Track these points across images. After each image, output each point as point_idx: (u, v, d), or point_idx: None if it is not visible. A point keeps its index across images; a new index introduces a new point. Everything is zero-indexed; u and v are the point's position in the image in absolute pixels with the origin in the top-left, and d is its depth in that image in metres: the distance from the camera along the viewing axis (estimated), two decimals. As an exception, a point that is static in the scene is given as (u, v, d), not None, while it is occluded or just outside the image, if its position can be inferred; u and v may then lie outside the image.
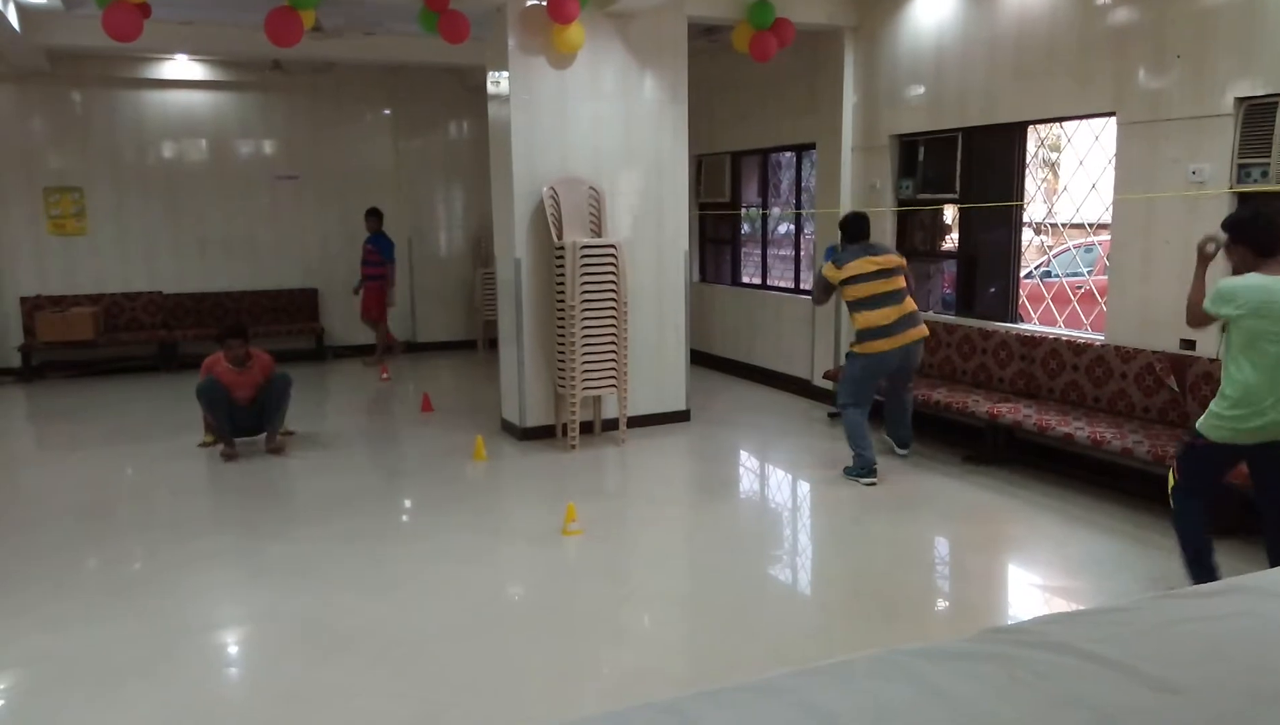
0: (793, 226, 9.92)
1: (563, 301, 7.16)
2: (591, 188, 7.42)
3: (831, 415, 8.16)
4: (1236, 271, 4.22)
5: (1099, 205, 6.79)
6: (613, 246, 7.17)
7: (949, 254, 8.06)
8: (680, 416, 8.17)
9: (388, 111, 12.05)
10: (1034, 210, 7.69)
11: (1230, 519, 5.21)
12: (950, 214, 8.01)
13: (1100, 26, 6.25)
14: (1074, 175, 7.06)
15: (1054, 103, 6.64)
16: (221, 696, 3.84)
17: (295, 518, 6.05)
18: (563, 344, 7.23)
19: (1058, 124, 7.07)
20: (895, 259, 6.48)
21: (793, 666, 2.26)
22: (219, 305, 11.44)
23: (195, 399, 7.11)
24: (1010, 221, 7.22)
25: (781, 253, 10.27)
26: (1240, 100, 5.43)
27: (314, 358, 11.48)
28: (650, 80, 7.71)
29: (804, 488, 6.71)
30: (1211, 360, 5.49)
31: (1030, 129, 7.08)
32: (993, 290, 7.51)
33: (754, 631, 4.31)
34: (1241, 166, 5.43)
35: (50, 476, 7.09)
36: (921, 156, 7.90)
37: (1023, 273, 7.51)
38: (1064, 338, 6.67)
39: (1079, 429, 5.85)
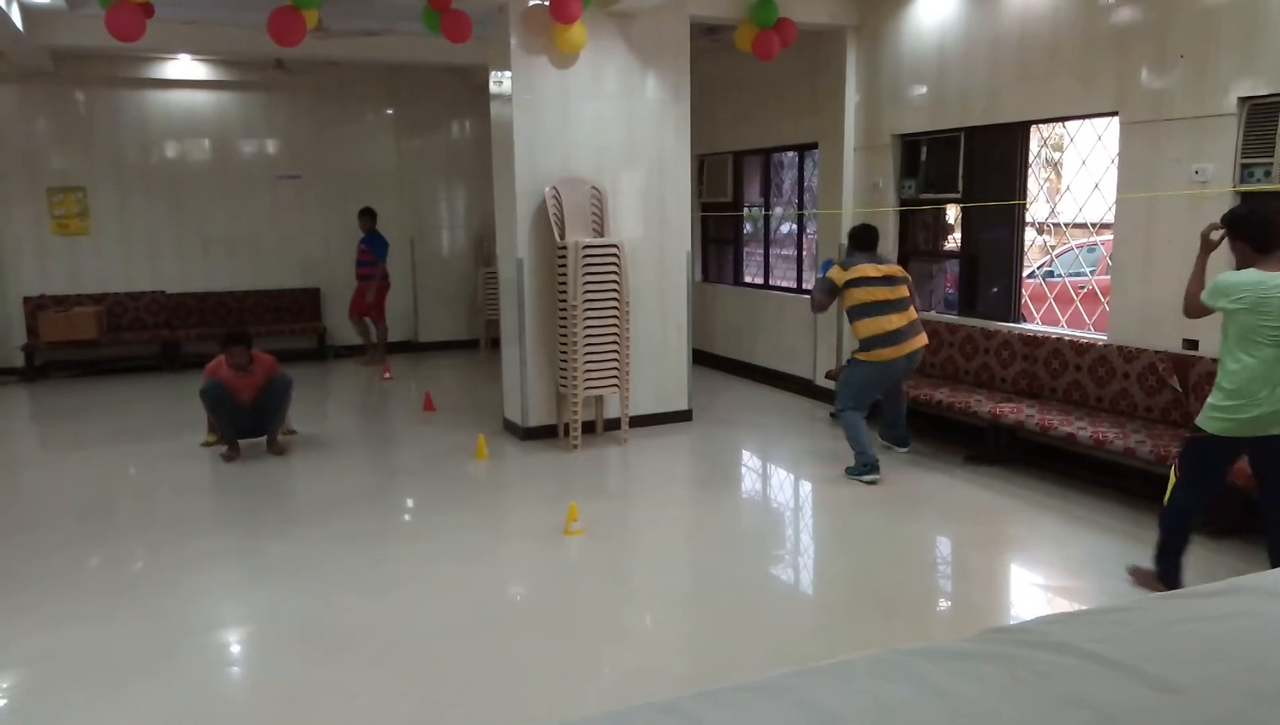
0: (795, 226, 9.91)
1: (565, 301, 7.17)
2: (594, 187, 7.42)
3: (833, 415, 8.14)
4: (1239, 266, 4.24)
5: (1102, 205, 6.78)
6: (615, 246, 7.17)
7: (951, 254, 8.06)
8: (682, 416, 8.17)
9: (390, 111, 12.05)
10: (1036, 210, 7.68)
11: (1230, 519, 5.21)
12: (953, 213, 8.01)
13: (1103, 26, 6.24)
14: (1076, 175, 7.05)
15: (1057, 102, 6.64)
16: (222, 696, 3.84)
17: (297, 517, 6.06)
18: (565, 343, 7.23)
19: (1060, 123, 7.06)
20: (901, 270, 6.54)
21: (794, 666, 2.26)
22: (221, 305, 11.45)
23: (198, 399, 7.11)
24: (1013, 221, 7.22)
25: (783, 252, 10.27)
26: (1243, 100, 5.42)
27: (316, 357, 11.48)
28: (652, 80, 7.71)
29: (806, 487, 6.70)
30: (1214, 360, 5.47)
31: (1033, 128, 7.08)
32: (995, 290, 7.50)
33: (755, 631, 4.31)
34: (1244, 166, 5.43)
35: (52, 476, 7.10)
36: (924, 156, 7.89)
37: (1025, 272, 7.51)
38: (1066, 337, 6.66)
39: (1081, 429, 5.84)
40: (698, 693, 2.00)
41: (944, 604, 4.74)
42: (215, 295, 11.43)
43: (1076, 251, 9.35)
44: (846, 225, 8.37)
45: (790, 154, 9.84)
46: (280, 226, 11.66)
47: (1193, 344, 5.78)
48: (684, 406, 8.20)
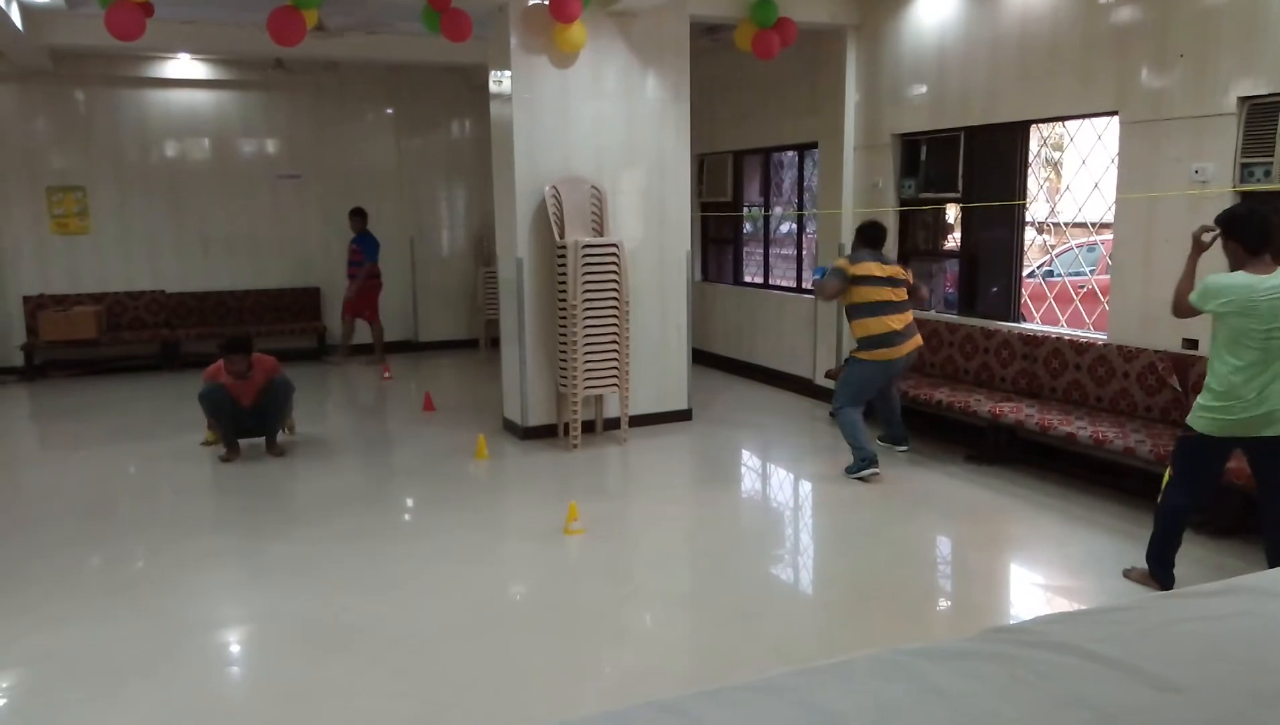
0: (795, 226, 9.91)
1: (565, 301, 7.17)
2: (594, 187, 7.42)
3: (833, 415, 8.14)
4: (1232, 267, 4.27)
5: (1101, 204, 6.78)
6: (615, 246, 7.17)
7: (951, 253, 8.06)
8: (682, 416, 8.17)
9: (390, 110, 12.05)
10: (1036, 209, 7.68)
11: (1230, 519, 5.22)
12: (952, 213, 8.01)
13: (1103, 26, 6.24)
14: (1076, 174, 7.05)
15: (1056, 102, 6.64)
16: (222, 696, 3.84)
17: (296, 517, 6.06)
18: (565, 343, 7.23)
19: (1060, 123, 7.06)
20: (902, 271, 6.57)
21: (794, 666, 2.26)
22: (221, 304, 11.45)
23: (197, 400, 7.09)
24: (1013, 221, 7.22)
25: (783, 252, 10.27)
26: (1243, 100, 5.42)
27: (316, 357, 11.47)
28: (652, 79, 7.71)
29: (806, 487, 6.71)
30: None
31: (1033, 128, 7.08)
32: (995, 289, 7.50)
33: (755, 631, 4.31)
34: (1244, 166, 5.43)
35: (52, 476, 7.10)
36: (924, 156, 7.89)
37: (1025, 272, 7.51)
38: (1066, 337, 6.66)
39: (1081, 428, 5.84)
40: (698, 692, 2.00)
41: (944, 603, 4.74)
42: (215, 295, 11.43)
43: (1076, 251, 9.36)
44: (846, 225, 8.38)
45: (790, 153, 9.84)
46: (280, 226, 11.66)
47: (1192, 343, 5.78)
48: (684, 406, 8.20)
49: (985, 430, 6.76)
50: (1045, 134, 7.24)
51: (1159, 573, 4.54)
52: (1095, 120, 6.68)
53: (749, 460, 7.53)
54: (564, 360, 7.27)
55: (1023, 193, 7.13)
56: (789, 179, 10.10)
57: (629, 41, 7.56)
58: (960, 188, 7.50)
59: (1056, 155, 8.52)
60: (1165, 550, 4.51)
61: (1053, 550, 5.27)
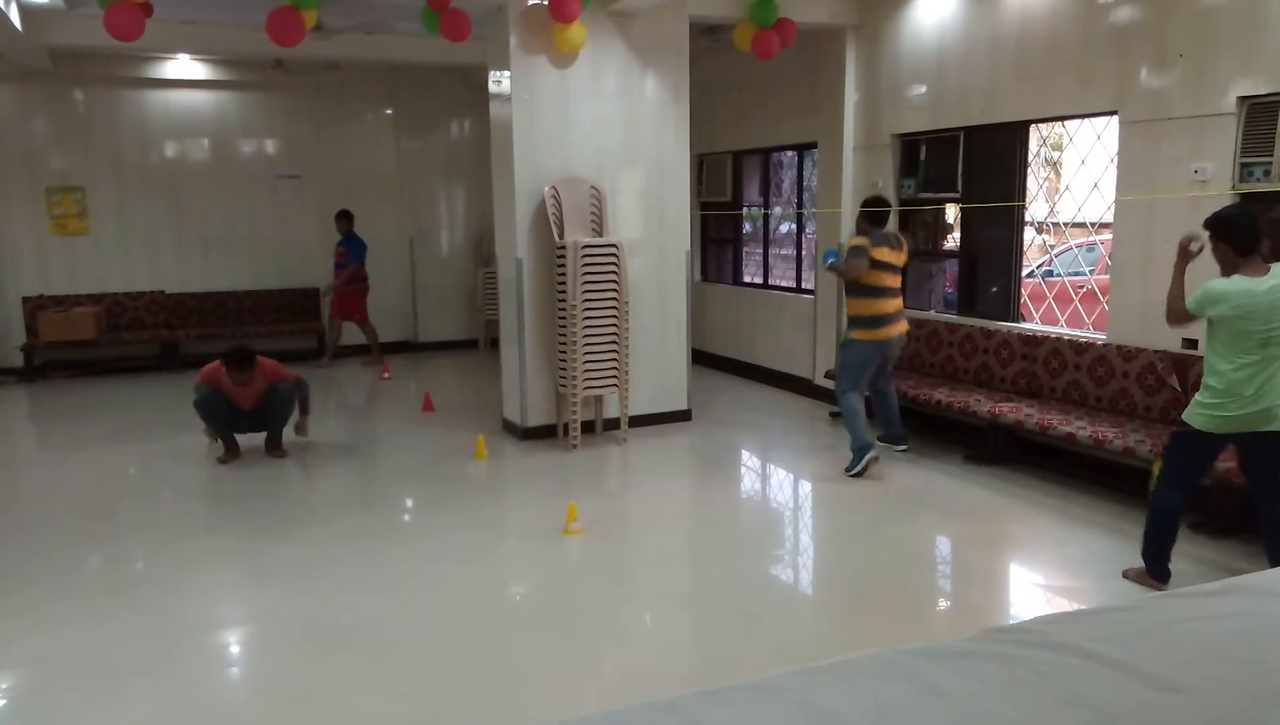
0: (794, 226, 9.91)
1: (564, 301, 7.16)
2: (593, 187, 7.42)
3: (833, 415, 8.16)
4: (1223, 270, 4.29)
5: (1101, 204, 6.79)
6: (614, 246, 7.17)
7: (951, 253, 8.06)
8: (682, 416, 8.17)
9: (389, 111, 12.05)
10: (1036, 209, 7.68)
11: (1230, 519, 5.22)
12: (952, 213, 8.01)
13: (1102, 25, 6.24)
14: (1076, 174, 7.05)
15: (1056, 102, 6.64)
16: (222, 696, 3.84)
17: (296, 517, 6.06)
18: (564, 343, 7.23)
19: (1059, 123, 7.06)
20: (904, 257, 6.69)
21: (794, 666, 2.26)
22: (221, 305, 11.45)
23: (193, 406, 7.00)
24: (1012, 221, 7.22)
25: (783, 252, 10.27)
26: (1242, 99, 5.43)
27: (316, 357, 11.45)
28: (652, 79, 7.71)
29: (805, 487, 6.71)
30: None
31: (1032, 128, 7.08)
32: (994, 289, 7.50)
33: (755, 631, 4.31)
34: (1244, 166, 5.43)
35: (52, 476, 7.10)
36: (923, 156, 7.89)
37: (1024, 272, 7.51)
38: (1066, 337, 6.67)
39: (1081, 428, 5.84)
40: (698, 692, 2.00)
41: (944, 603, 4.74)
42: (215, 295, 11.43)
43: (1076, 251, 9.36)
44: (846, 225, 8.38)
45: (789, 153, 9.85)
46: (280, 227, 11.66)
47: (1192, 343, 5.78)
48: (683, 406, 8.20)
49: (985, 430, 6.76)
50: (1044, 134, 7.25)
51: (1156, 570, 4.58)
52: (1094, 120, 6.69)
53: (749, 460, 7.53)
54: (563, 360, 7.27)
55: (1022, 193, 7.13)
56: (788, 179, 10.10)
57: (628, 41, 7.56)
58: (960, 188, 7.51)
59: (1056, 155, 8.52)
60: (1161, 547, 4.55)
61: (1052, 550, 5.27)
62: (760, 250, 10.38)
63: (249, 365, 6.81)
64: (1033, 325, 7.23)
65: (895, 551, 5.29)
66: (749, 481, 7.14)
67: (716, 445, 7.68)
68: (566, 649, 4.16)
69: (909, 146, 8.05)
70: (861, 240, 6.54)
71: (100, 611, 4.53)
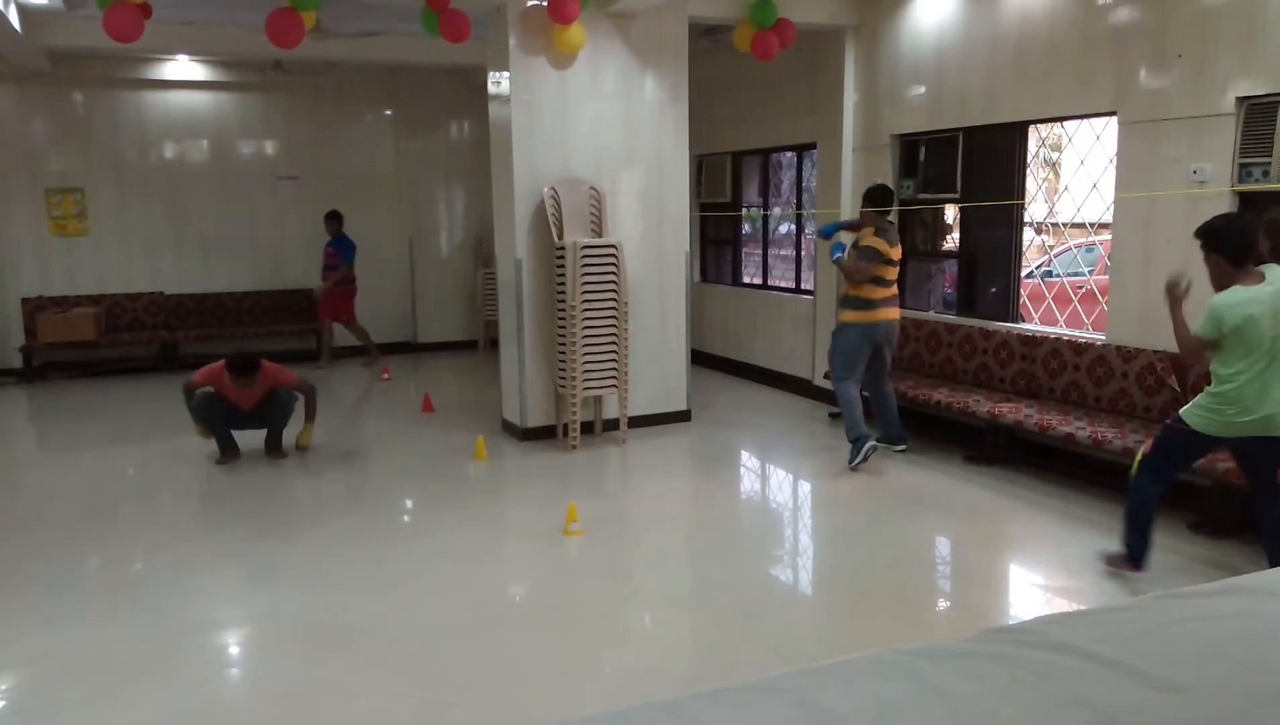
0: (793, 227, 9.91)
1: (563, 302, 7.17)
2: (592, 188, 7.42)
3: (833, 415, 8.17)
4: (1216, 281, 4.32)
5: (1100, 205, 6.79)
6: (613, 246, 7.17)
7: (950, 254, 8.06)
8: (681, 416, 8.18)
9: (389, 112, 12.05)
10: (1035, 210, 7.68)
11: (1230, 519, 5.22)
12: (951, 213, 8.01)
13: (1101, 26, 6.24)
14: (1075, 175, 7.06)
15: (1055, 102, 6.64)
16: (222, 696, 3.84)
17: (296, 518, 6.06)
18: (563, 344, 7.23)
19: (1059, 123, 7.06)
20: (899, 251, 6.81)
21: (793, 666, 2.26)
22: (220, 306, 11.45)
23: (190, 410, 6.99)
24: (1011, 221, 7.22)
25: (782, 253, 10.27)
26: (1241, 100, 5.43)
27: (315, 358, 11.44)
28: (651, 80, 7.71)
29: (805, 487, 6.71)
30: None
31: (1031, 128, 7.08)
32: (994, 290, 7.50)
33: (755, 631, 4.31)
34: (1243, 166, 5.43)
35: (52, 477, 7.09)
36: (922, 156, 7.90)
37: (1024, 272, 7.51)
38: (1065, 337, 6.67)
39: (1080, 429, 5.85)
40: (698, 693, 2.00)
41: (943, 604, 4.74)
42: (214, 296, 11.43)
43: (1075, 251, 9.36)
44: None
45: (789, 154, 9.85)
46: (279, 228, 11.66)
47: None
48: (683, 407, 8.20)
49: (984, 430, 6.76)
50: (1043, 134, 7.25)
51: (1136, 556, 4.65)
52: (1093, 120, 6.69)
53: (748, 461, 7.53)
54: (563, 361, 7.27)
55: (1021, 193, 7.13)
56: (788, 180, 10.10)
57: (628, 42, 7.56)
58: (959, 188, 7.51)
59: (1055, 155, 8.52)
60: (1141, 535, 4.62)
61: (1052, 550, 5.27)
62: (759, 251, 10.38)
63: (252, 373, 6.79)
64: (1032, 326, 7.24)
65: (895, 552, 5.29)
66: (748, 482, 7.14)
67: (716, 446, 7.68)
68: (566, 649, 4.16)
69: (908, 147, 8.05)
70: (877, 242, 6.59)
71: (100, 612, 4.53)
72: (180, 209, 11.20)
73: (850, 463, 6.61)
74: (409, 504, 6.43)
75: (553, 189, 7.27)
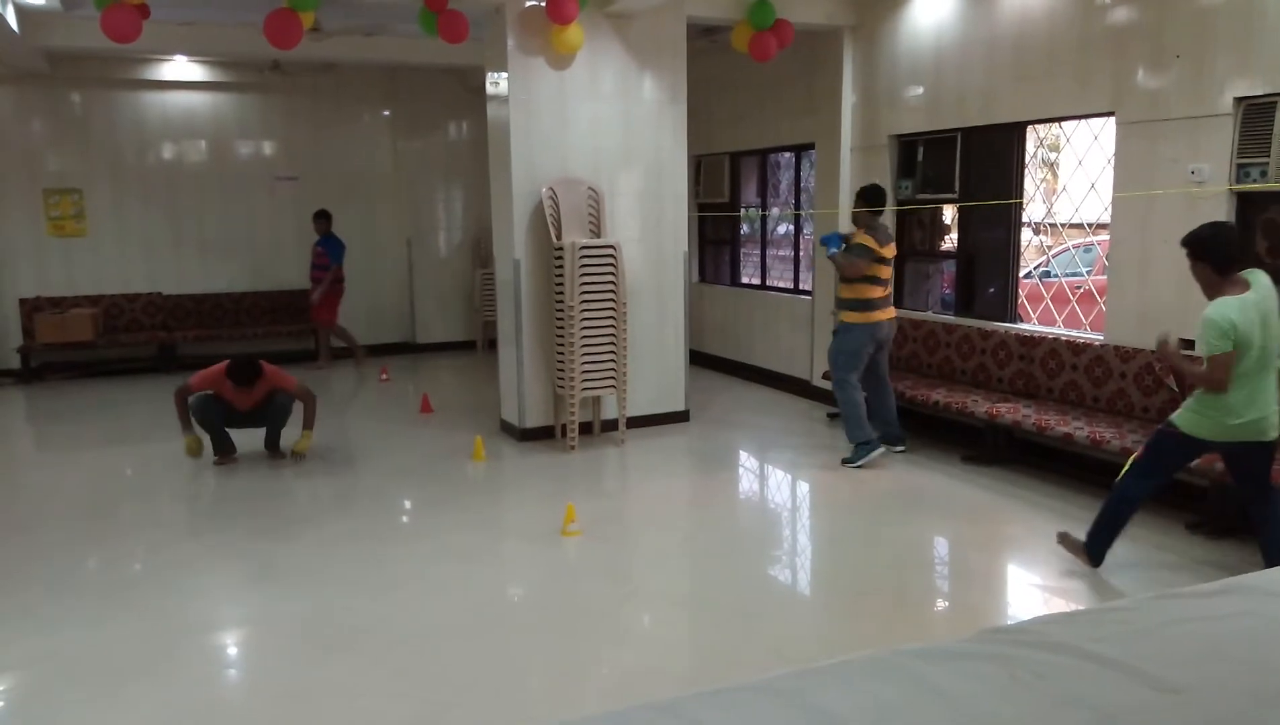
0: (792, 227, 9.92)
1: (562, 302, 7.16)
2: (590, 188, 7.42)
3: (831, 416, 8.17)
4: (1204, 289, 4.36)
5: (1098, 205, 6.79)
6: (612, 247, 7.17)
7: (948, 254, 8.06)
8: (680, 417, 8.18)
9: (387, 112, 12.05)
10: (1033, 210, 7.69)
11: (1229, 519, 5.23)
12: (949, 214, 8.02)
13: (1099, 26, 6.25)
14: (1073, 175, 7.07)
15: (1053, 102, 6.65)
16: (223, 696, 3.84)
17: (295, 518, 6.06)
18: (562, 344, 7.23)
19: (1057, 124, 7.07)
20: (894, 250, 6.92)
21: (793, 666, 2.26)
22: (218, 306, 11.44)
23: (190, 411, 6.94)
24: (1009, 221, 7.23)
25: (780, 253, 10.28)
26: (1239, 100, 5.44)
27: (313, 359, 11.44)
28: (649, 81, 7.71)
29: (804, 488, 6.71)
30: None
31: (1029, 129, 7.09)
32: (992, 290, 7.51)
33: (754, 631, 4.32)
34: (1240, 166, 5.44)
35: (51, 478, 7.09)
36: (920, 156, 7.90)
37: (1022, 273, 7.52)
38: (1063, 338, 6.67)
39: (1078, 429, 5.85)
40: (697, 693, 2.01)
41: (942, 604, 4.75)
42: (212, 297, 11.42)
43: (1073, 251, 9.37)
44: (844, 226, 8.37)
45: (787, 154, 9.85)
46: (277, 228, 11.64)
47: (1189, 344, 5.77)
48: (681, 407, 8.20)
49: (982, 431, 6.77)
50: (1042, 135, 7.26)
51: (1095, 550, 4.73)
52: (1091, 121, 6.70)
53: (747, 461, 7.54)
54: (561, 362, 7.27)
55: (1019, 193, 7.14)
56: (786, 180, 10.11)
57: (626, 43, 7.57)
58: (957, 188, 7.52)
59: (1053, 156, 8.52)
60: (1109, 532, 4.69)
61: (1050, 550, 5.26)
62: (758, 251, 10.38)
63: (254, 380, 6.76)
64: (1030, 326, 7.24)
65: (894, 552, 5.30)
66: (747, 482, 7.14)
67: (714, 446, 7.69)
68: (566, 649, 4.16)
69: (906, 147, 8.06)
70: (867, 240, 6.65)
71: (100, 612, 4.53)
72: (178, 209, 11.19)
73: (852, 462, 6.66)
74: (408, 504, 6.43)
75: (551, 189, 7.27)
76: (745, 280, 10.73)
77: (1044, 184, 8.17)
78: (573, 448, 7.29)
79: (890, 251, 6.77)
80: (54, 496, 6.49)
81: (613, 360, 7.28)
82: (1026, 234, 7.60)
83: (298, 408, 7.05)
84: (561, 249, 7.13)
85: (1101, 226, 6.98)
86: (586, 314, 7.11)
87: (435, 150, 12.22)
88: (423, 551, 5.39)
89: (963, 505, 6.02)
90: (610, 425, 7.71)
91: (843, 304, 6.87)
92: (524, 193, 7.33)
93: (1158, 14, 5.85)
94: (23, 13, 8.29)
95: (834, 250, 6.85)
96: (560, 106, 7.38)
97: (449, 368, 11.44)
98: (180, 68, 10.91)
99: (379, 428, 8.53)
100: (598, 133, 7.54)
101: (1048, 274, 8.64)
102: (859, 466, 6.67)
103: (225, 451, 7.06)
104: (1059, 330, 6.98)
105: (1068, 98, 6.52)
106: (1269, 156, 5.28)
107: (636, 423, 7.81)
